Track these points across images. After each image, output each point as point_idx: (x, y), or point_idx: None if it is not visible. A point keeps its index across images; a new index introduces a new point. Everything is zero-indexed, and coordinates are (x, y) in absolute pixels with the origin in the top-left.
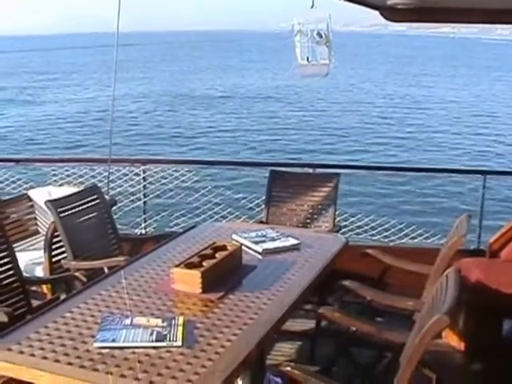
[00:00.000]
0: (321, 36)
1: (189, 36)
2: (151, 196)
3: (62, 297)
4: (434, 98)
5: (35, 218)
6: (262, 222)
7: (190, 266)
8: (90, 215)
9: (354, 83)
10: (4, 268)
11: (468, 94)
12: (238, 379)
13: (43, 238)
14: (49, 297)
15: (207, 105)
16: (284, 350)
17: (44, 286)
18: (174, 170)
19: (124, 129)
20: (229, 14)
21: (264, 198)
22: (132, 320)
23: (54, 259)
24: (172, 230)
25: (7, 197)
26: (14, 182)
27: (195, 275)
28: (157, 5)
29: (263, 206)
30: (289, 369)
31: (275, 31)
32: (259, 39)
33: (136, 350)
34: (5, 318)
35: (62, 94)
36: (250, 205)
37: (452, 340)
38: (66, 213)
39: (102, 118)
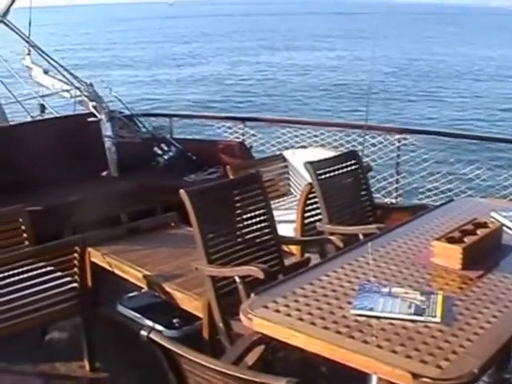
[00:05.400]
0: None
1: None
2: (405, 165)
3: (313, 259)
4: None
5: (288, 179)
6: None
7: (451, 240)
8: (348, 180)
9: None
10: (262, 225)
11: None
12: None
13: (293, 198)
14: (298, 257)
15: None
16: None
17: (293, 247)
18: (430, 142)
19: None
20: None
21: None
22: (390, 290)
23: (305, 221)
24: (423, 202)
25: (262, 156)
26: (268, 142)
27: (456, 250)
28: None
29: None
30: None
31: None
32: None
33: (393, 322)
34: (261, 275)
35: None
36: (508, 182)
37: None
38: (324, 176)
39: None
